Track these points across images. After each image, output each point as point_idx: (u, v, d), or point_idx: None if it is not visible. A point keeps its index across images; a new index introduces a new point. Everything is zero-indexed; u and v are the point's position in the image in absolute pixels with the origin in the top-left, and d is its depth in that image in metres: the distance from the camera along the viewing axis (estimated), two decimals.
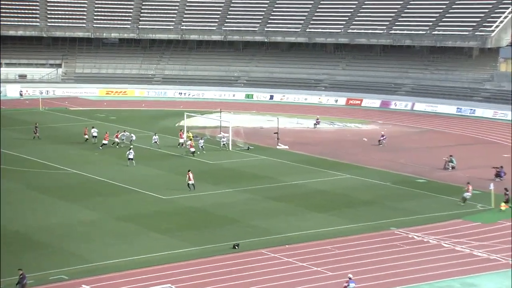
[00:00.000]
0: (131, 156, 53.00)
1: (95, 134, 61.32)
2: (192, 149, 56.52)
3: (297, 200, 43.87)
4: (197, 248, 34.49)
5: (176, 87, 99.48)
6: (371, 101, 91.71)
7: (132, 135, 61.05)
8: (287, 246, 35.09)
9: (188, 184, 44.89)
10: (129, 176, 49.51)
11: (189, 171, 45.63)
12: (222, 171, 52.18)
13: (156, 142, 59.76)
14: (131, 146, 56.14)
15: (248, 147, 60.63)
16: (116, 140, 60.00)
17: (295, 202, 43.33)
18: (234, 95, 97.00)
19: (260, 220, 39.36)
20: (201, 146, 57.90)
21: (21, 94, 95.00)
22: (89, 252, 33.68)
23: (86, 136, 61.79)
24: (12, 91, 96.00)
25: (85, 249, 34.08)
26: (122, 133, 61.17)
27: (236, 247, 34.50)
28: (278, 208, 42.12)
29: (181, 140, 60.48)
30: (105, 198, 43.78)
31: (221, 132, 64.73)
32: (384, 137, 65.18)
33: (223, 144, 59.57)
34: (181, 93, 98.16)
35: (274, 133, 63.78)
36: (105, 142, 59.09)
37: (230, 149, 59.76)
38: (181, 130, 62.18)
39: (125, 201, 43.11)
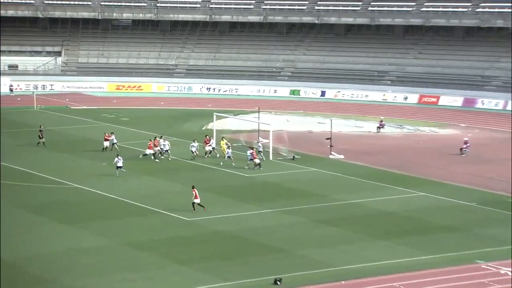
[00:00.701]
0: (120, 164, 53.65)
1: (114, 140, 61.66)
2: (257, 160, 56.80)
3: (356, 224, 43.72)
4: (230, 284, 34.54)
5: (203, 80, 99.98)
6: (451, 99, 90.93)
7: (166, 143, 60.40)
8: (343, 282, 35.00)
9: (194, 203, 45.06)
10: (146, 193, 49.89)
11: (193, 187, 45.87)
12: (261, 187, 52.34)
13: (194, 151, 59.72)
14: (119, 152, 56.70)
15: (294, 156, 60.84)
16: (157, 149, 59.96)
17: (353, 227, 43.20)
18: (276, 91, 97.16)
19: (309, 249, 39.28)
20: (229, 156, 58.22)
21: (11, 89, 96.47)
22: None
23: (106, 144, 61.63)
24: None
25: (91, 284, 34.34)
26: (162, 141, 60.34)
27: (278, 283, 34.52)
28: (332, 234, 42.05)
29: (208, 148, 60.87)
30: (115, 220, 44.09)
31: (259, 138, 64.90)
32: (468, 144, 64.65)
33: (259, 151, 59.79)
34: (209, 89, 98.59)
35: (327, 139, 63.71)
36: (148, 152, 59.10)
37: (271, 158, 59.92)
38: (206, 136, 62.52)
39: (141, 224, 43.40)
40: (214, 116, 68.04)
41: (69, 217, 44.34)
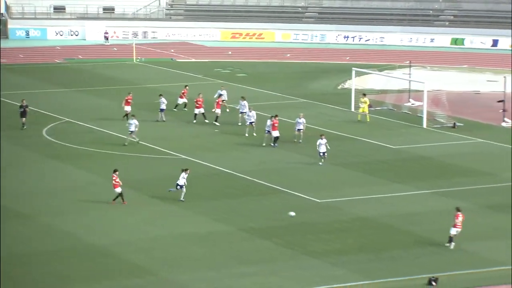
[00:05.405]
0: (132, 129, 53.47)
1: (163, 106, 60.67)
2: (276, 133, 54.45)
3: None
4: (373, 283, 34.57)
5: (339, 27, 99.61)
6: None
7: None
8: None
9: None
10: (266, 167, 50.30)
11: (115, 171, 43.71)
12: (412, 162, 52.11)
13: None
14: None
15: (454, 123, 60.48)
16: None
17: None
18: (432, 40, 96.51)
19: (472, 242, 38.72)
20: (251, 122, 56.51)
21: (106, 38, 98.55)
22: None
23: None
24: (93, 33, 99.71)
25: (202, 278, 34.77)
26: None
27: (434, 283, 34.25)
28: (503, 224, 41.11)
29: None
30: (230, 200, 44.72)
31: (410, 99, 65.14)
32: None
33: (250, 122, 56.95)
34: (347, 37, 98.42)
35: (498, 101, 62.87)
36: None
37: (425, 126, 59.74)
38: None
39: (261, 205, 43.77)
40: (353, 72, 67.80)
41: (175, 195, 44.69)
